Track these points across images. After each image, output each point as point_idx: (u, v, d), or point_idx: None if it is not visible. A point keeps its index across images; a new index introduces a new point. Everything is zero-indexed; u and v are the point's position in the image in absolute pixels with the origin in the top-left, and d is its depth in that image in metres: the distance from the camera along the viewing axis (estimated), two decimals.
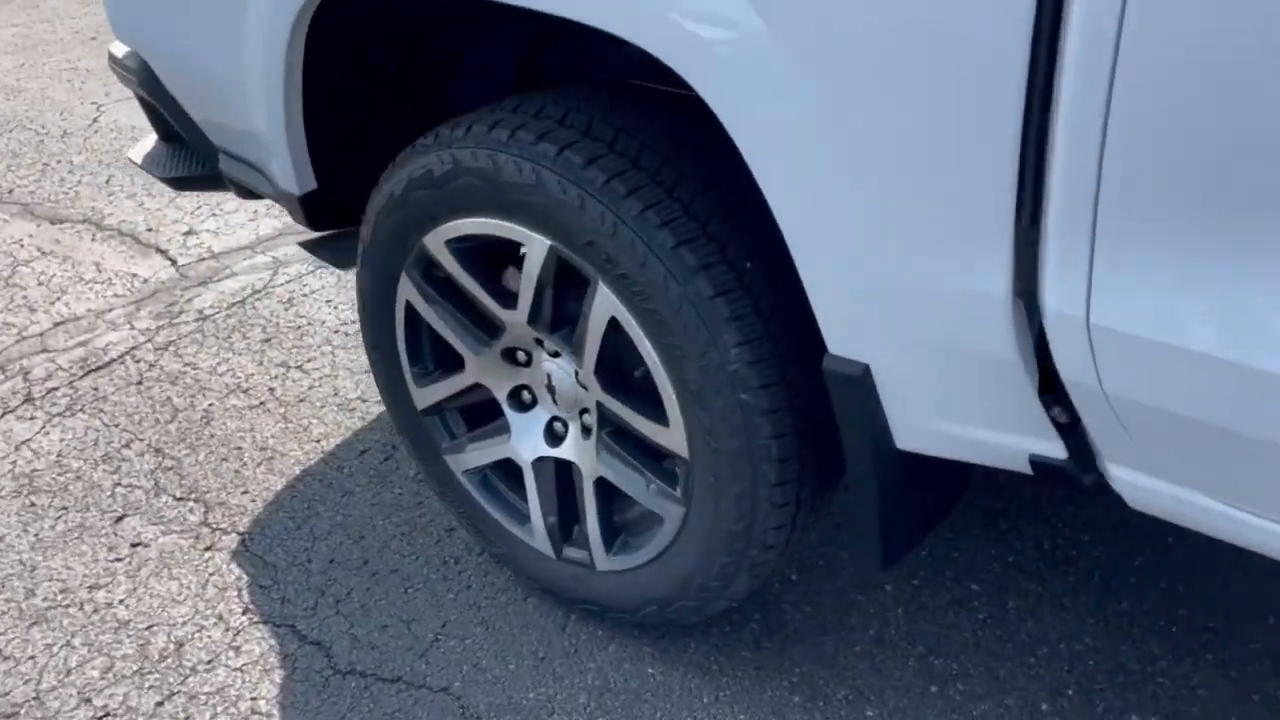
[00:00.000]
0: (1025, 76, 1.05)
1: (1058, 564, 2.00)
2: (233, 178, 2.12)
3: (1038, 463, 1.32)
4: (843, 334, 1.33)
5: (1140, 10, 0.96)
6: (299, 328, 2.87)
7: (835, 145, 1.21)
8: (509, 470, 1.92)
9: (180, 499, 2.28)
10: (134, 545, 2.16)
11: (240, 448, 2.42)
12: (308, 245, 2.23)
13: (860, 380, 1.34)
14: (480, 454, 1.91)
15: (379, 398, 2.48)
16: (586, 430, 1.76)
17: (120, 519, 2.23)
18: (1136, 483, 1.26)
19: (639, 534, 1.76)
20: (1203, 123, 0.98)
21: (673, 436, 1.57)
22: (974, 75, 1.09)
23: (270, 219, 3.46)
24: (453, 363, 1.89)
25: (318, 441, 2.43)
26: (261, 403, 2.57)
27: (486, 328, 1.79)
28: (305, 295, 3.03)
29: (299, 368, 2.70)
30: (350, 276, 3.07)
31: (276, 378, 2.66)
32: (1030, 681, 1.78)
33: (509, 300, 1.70)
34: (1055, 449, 1.30)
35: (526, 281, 1.63)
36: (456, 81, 2.01)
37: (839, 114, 1.19)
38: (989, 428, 1.31)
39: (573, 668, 1.84)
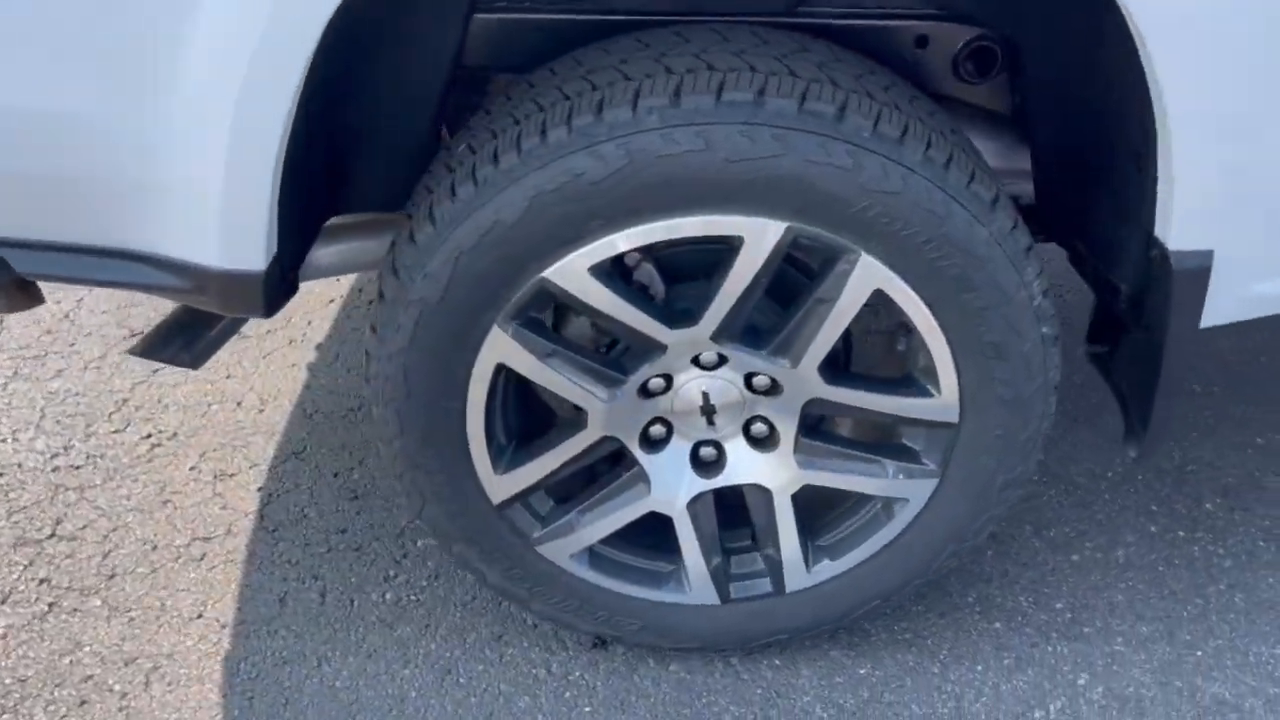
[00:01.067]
0: None
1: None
2: (49, 277, 1.34)
3: None
4: (1196, 224, 1.24)
5: None
6: None
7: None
8: (620, 533, 1.52)
9: None
10: None
11: (113, 687, 1.61)
12: (150, 349, 1.51)
13: (1205, 268, 1.27)
14: (604, 523, 1.49)
15: (232, 524, 1.83)
16: (759, 441, 1.45)
17: None
18: None
19: (845, 533, 1.52)
20: None
21: (940, 405, 1.36)
22: None
23: None
24: (540, 428, 1.43)
25: (230, 633, 1.70)
26: (45, 610, 1.72)
27: (618, 364, 1.38)
28: None
29: (57, 536, 1.84)
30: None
31: (32, 565, 1.79)
32: (1136, 515, 1.89)
33: (678, 317, 1.32)
34: None
35: (735, 283, 1.27)
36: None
37: None
38: None
39: (791, 711, 1.56)
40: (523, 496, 1.46)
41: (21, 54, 1.14)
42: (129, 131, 1.17)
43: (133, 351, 1.53)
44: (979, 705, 1.56)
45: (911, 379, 1.37)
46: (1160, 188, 1.23)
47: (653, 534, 1.52)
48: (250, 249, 1.24)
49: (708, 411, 1.42)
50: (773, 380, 1.38)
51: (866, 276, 1.26)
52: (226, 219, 1.22)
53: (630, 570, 1.54)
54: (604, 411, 1.38)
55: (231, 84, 1.12)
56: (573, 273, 1.25)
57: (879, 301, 1.29)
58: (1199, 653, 1.63)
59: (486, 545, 1.49)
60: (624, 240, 1.24)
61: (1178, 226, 1.24)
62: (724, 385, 1.40)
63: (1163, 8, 1.12)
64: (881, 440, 1.48)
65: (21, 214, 1.27)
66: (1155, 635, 1.66)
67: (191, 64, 1.12)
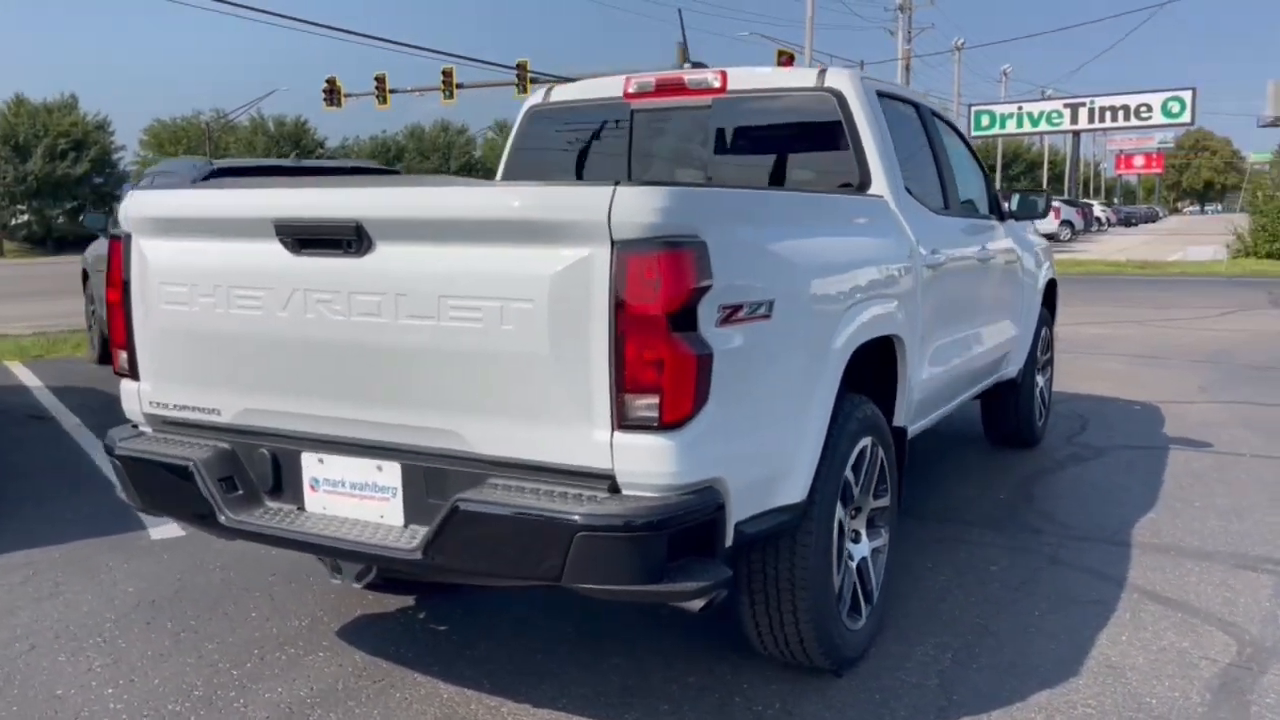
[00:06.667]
0: None
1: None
2: (754, 536, 2.90)
3: None
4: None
5: None
6: None
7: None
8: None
9: None
10: None
11: None
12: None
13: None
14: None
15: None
16: (856, 539, 3.67)
17: None
18: None
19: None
20: None
21: (889, 499, 3.80)
22: None
23: None
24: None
25: None
26: None
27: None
28: None
29: None
30: None
31: None
32: None
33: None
34: None
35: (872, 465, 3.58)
36: None
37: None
38: None
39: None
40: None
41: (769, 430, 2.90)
42: (794, 441, 2.99)
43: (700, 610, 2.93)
44: None
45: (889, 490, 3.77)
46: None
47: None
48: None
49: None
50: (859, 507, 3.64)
51: (880, 453, 3.68)
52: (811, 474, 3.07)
53: (853, 614, 3.52)
54: None
55: (821, 421, 3.08)
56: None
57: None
58: None
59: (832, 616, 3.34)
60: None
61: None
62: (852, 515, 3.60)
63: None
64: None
65: (753, 501, 2.87)
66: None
67: (812, 412, 3.05)
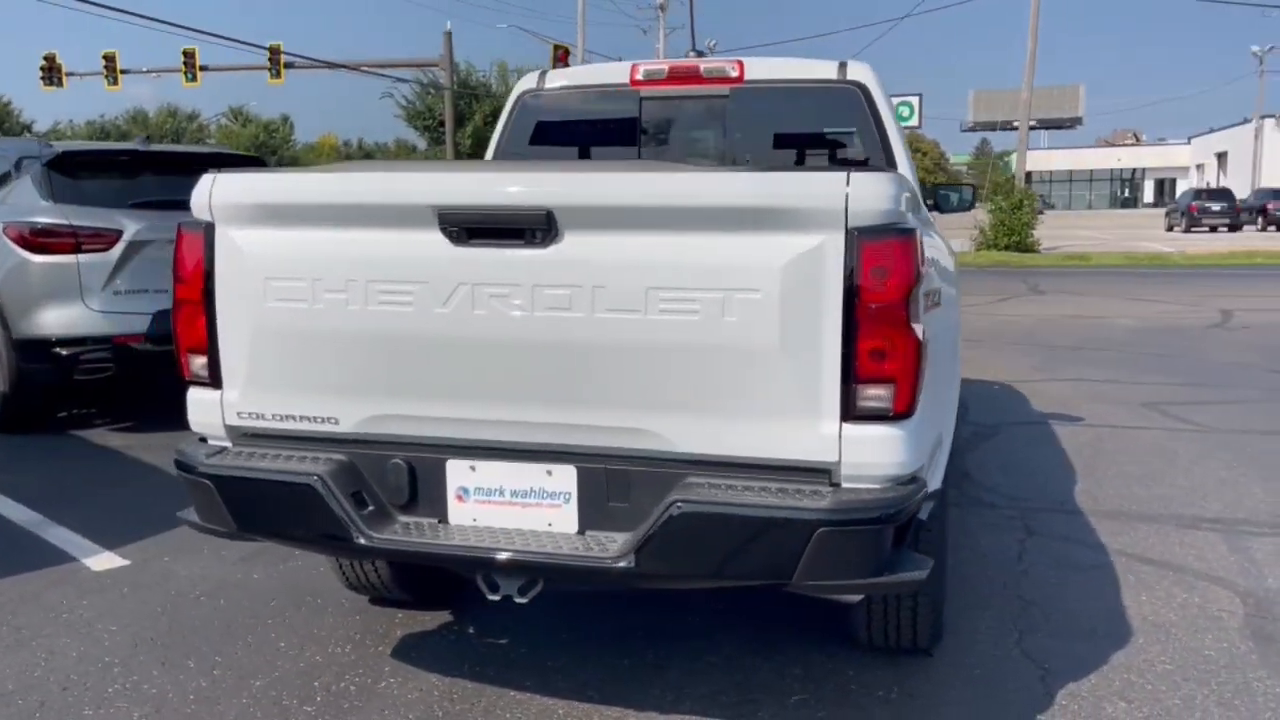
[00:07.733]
0: None
1: None
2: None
3: None
4: None
5: None
6: None
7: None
8: None
9: None
10: None
11: None
12: None
13: None
14: None
15: None
16: None
17: None
18: None
19: None
20: None
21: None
22: None
23: None
24: None
25: None
26: None
27: None
28: None
29: None
30: None
31: None
32: None
33: None
34: None
35: None
36: None
37: None
38: None
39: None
40: None
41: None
42: (948, 428, 3.03)
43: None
44: None
45: None
46: None
47: None
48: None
49: None
50: None
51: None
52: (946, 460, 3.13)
53: None
54: None
55: (955, 407, 3.13)
56: None
57: None
58: None
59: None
60: None
61: None
62: None
63: None
64: None
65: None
66: None
67: (953, 399, 3.10)
